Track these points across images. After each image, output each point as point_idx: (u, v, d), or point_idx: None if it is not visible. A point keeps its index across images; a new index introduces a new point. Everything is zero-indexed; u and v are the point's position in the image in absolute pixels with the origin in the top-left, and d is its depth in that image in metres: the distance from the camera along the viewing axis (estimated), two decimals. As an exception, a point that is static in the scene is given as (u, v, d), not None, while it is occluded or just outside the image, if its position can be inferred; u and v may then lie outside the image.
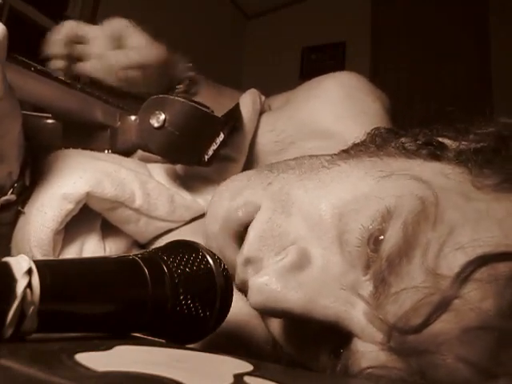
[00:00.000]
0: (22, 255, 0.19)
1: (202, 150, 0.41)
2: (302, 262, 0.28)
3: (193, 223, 0.44)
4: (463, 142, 0.32)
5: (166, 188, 0.42)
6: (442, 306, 0.23)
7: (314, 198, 0.31)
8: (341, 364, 0.27)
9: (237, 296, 0.29)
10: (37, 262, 0.19)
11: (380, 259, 0.26)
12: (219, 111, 0.43)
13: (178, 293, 0.24)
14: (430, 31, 2.54)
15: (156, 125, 0.40)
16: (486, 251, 0.24)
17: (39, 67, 0.39)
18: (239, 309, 0.34)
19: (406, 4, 2.66)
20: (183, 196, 0.43)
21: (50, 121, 0.41)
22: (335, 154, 0.36)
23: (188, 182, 0.45)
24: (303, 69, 3.00)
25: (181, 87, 0.59)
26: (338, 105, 0.51)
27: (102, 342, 0.19)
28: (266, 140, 0.51)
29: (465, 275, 0.23)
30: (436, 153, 0.32)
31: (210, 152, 0.41)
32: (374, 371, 0.25)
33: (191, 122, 0.40)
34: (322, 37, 2.93)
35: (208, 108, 0.42)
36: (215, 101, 0.57)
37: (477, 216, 0.26)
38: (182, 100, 0.40)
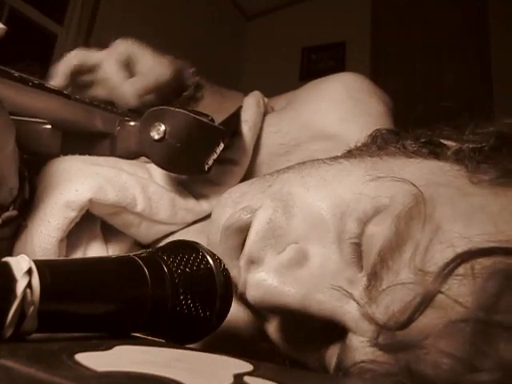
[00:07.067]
0: (23, 255, 0.19)
1: (203, 160, 0.41)
2: (299, 259, 0.29)
3: (195, 225, 0.44)
4: (465, 144, 0.32)
5: (166, 191, 0.42)
6: (425, 302, 0.23)
7: (316, 198, 0.31)
8: (336, 360, 0.27)
9: (236, 297, 0.30)
10: (37, 262, 0.19)
11: (373, 254, 0.27)
12: (222, 116, 0.43)
13: (178, 293, 0.24)
14: (429, 31, 2.54)
15: (156, 137, 0.39)
16: (474, 247, 0.24)
17: (36, 81, 0.39)
18: (239, 308, 0.34)
19: (405, 4, 2.66)
20: (184, 198, 0.43)
21: (47, 126, 0.41)
22: (337, 156, 0.36)
23: (190, 184, 0.45)
24: (303, 69, 3.00)
25: (187, 94, 0.58)
26: (341, 106, 0.50)
27: (102, 342, 0.19)
28: (271, 141, 0.50)
29: (448, 270, 0.23)
30: (435, 151, 0.32)
31: (210, 162, 0.41)
32: (365, 365, 0.25)
33: (192, 134, 0.40)
34: (322, 37, 2.93)
35: (208, 116, 0.41)
36: (218, 105, 0.57)
37: (471, 211, 0.26)
38: (182, 111, 0.40)
